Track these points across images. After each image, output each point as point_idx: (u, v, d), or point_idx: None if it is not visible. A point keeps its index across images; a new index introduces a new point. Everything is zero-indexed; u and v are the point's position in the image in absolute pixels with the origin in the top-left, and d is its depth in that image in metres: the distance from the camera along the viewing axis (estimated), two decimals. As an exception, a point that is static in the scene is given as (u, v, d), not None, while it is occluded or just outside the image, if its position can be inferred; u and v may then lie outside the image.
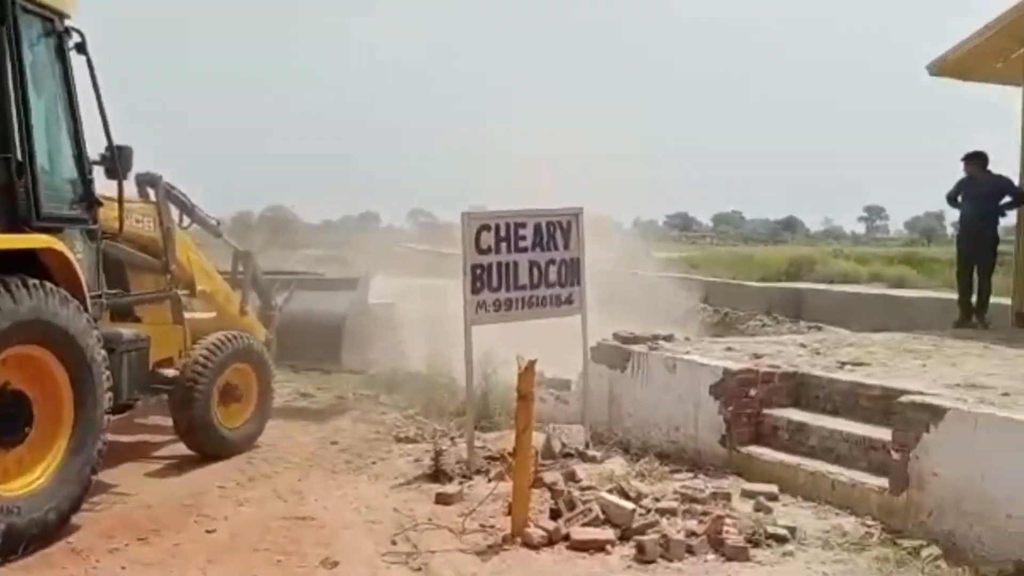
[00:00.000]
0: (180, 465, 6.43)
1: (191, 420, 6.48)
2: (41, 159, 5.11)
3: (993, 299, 9.44)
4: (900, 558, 4.50)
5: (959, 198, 9.26)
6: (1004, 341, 7.97)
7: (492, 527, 5.02)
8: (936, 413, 4.84)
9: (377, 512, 5.33)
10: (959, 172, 9.24)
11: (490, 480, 5.89)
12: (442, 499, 5.51)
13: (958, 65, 9.29)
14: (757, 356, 6.74)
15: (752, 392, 6.20)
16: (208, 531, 5.02)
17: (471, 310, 6.27)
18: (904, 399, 5.10)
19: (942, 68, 9.33)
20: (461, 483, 5.85)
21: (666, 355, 6.80)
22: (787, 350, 7.19)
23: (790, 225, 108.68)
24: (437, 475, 5.99)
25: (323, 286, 9.43)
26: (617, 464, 6.33)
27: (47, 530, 4.65)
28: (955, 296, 9.69)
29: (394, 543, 4.80)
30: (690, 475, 6.03)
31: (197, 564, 4.52)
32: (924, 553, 4.52)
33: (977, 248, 9.07)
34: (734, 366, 6.26)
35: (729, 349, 7.04)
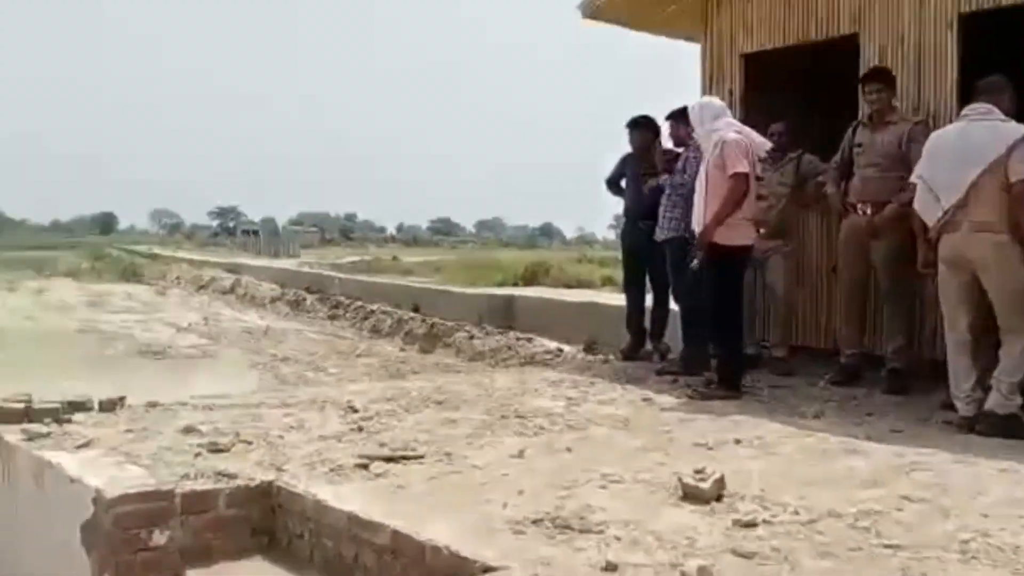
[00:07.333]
0: None
1: None
2: None
3: None
4: None
5: (623, 182, 6.83)
6: (667, 389, 5.57)
7: None
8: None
9: None
10: (623, 145, 6.81)
11: None
12: None
13: (617, 7, 6.81)
14: (221, 449, 3.68)
15: (159, 538, 3.14)
16: None
17: None
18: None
19: (598, 11, 6.80)
20: None
21: (35, 453, 3.58)
22: (313, 419, 4.22)
23: (547, 231, 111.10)
24: None
25: None
26: None
27: None
28: None
29: None
30: None
31: None
32: None
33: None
34: (114, 489, 3.12)
35: (189, 431, 3.89)
